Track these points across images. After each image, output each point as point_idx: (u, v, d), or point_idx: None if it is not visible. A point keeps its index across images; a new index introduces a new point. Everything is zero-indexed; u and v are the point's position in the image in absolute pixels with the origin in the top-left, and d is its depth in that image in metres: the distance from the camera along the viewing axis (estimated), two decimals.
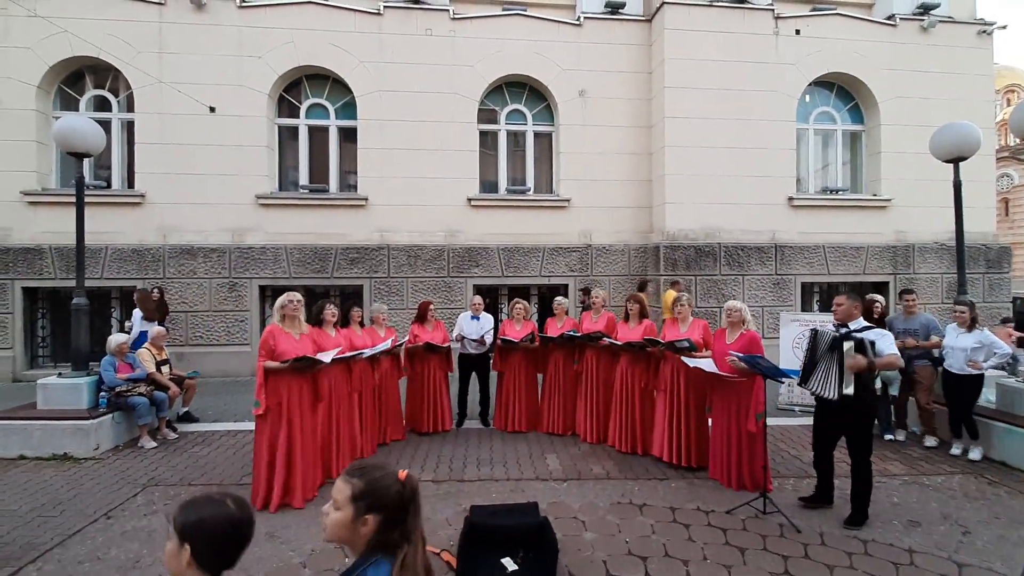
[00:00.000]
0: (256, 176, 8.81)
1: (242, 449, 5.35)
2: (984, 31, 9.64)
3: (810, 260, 9.18)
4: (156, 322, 7.44)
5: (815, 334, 3.89)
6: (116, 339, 5.69)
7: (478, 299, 6.24)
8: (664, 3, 9.00)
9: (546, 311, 7.83)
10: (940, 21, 9.51)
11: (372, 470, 1.35)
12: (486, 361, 6.12)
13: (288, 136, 9.38)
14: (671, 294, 7.81)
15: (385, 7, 9.03)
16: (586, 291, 8.30)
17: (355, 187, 9.20)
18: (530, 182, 9.69)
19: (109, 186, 8.93)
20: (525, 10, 9.47)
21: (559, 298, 6.01)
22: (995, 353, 4.92)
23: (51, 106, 8.81)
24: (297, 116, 9.30)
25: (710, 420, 4.62)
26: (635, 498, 4.16)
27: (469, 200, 9.17)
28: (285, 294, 4.27)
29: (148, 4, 8.63)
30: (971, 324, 5.02)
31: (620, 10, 9.47)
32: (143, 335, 6.94)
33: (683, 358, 4.62)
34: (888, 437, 5.56)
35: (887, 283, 9.35)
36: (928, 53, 9.51)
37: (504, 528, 3.34)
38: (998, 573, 3.14)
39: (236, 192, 8.73)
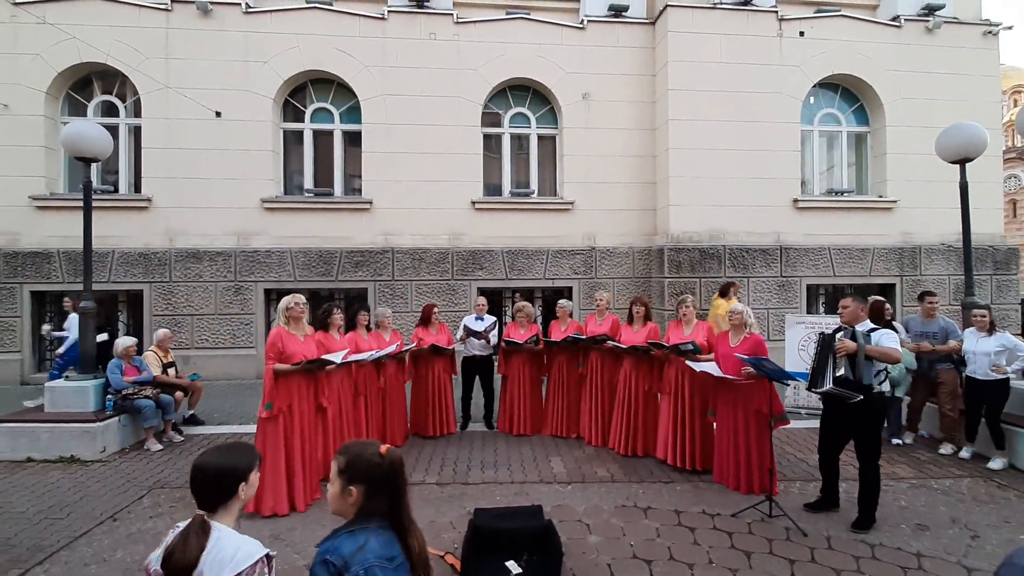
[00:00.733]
0: (261, 180, 8.85)
1: None
2: (990, 32, 9.59)
3: (815, 262, 9.14)
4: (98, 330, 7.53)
5: (822, 337, 3.88)
6: (123, 342, 5.73)
7: (482, 300, 6.25)
8: (667, 6, 9.00)
9: (550, 314, 7.83)
10: (945, 22, 9.46)
11: (354, 446, 1.53)
12: (490, 364, 6.13)
13: (293, 140, 9.44)
14: (721, 304, 7.72)
15: (389, 11, 9.08)
16: (522, 295, 8.23)
17: (359, 191, 9.23)
18: (534, 185, 9.70)
19: (116, 191, 9.00)
20: (528, 14, 9.50)
21: (562, 301, 6.01)
22: (1019, 356, 4.79)
23: (59, 112, 8.89)
24: (302, 120, 9.35)
25: (714, 423, 4.59)
26: (640, 501, 4.14)
27: (473, 203, 9.19)
28: (289, 296, 4.28)
29: (155, 10, 8.71)
30: (990, 328, 4.94)
31: (623, 13, 9.48)
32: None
33: (687, 361, 4.61)
34: (896, 442, 5.50)
35: (893, 285, 9.29)
36: (933, 54, 9.47)
37: (508, 531, 3.34)
38: None
39: (241, 196, 8.78)
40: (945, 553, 3.38)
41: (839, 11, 9.45)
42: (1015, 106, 31.16)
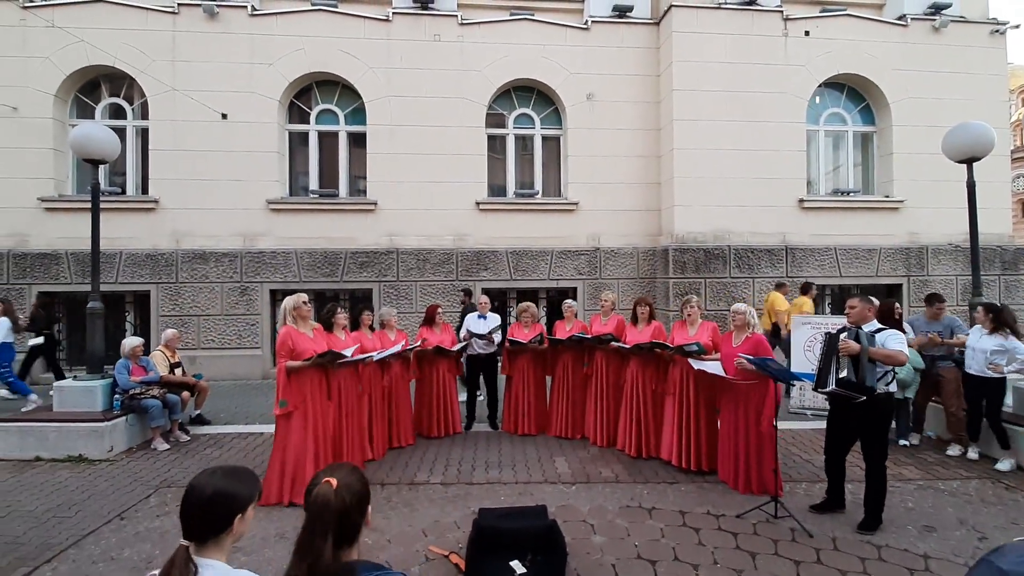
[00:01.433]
0: (267, 181, 8.90)
1: (253, 451, 5.39)
2: (997, 30, 9.52)
3: (821, 262, 9.10)
4: (35, 334, 7.74)
5: (828, 337, 3.86)
6: (130, 342, 5.77)
7: (484, 298, 6.26)
8: (672, 6, 8.99)
9: (555, 314, 7.82)
10: (952, 21, 9.40)
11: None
12: (494, 364, 6.13)
13: (298, 142, 9.48)
14: (776, 296, 7.70)
15: (394, 13, 9.11)
16: (467, 292, 8.22)
17: (364, 192, 9.27)
18: (538, 185, 9.71)
19: (124, 192, 9.08)
20: (532, 15, 9.51)
21: (568, 300, 6.01)
22: (1018, 358, 4.70)
23: (67, 114, 8.97)
24: (307, 122, 9.40)
25: (719, 423, 4.58)
26: (644, 502, 4.13)
27: (477, 204, 9.21)
28: (295, 296, 4.33)
29: (162, 13, 8.78)
30: (994, 326, 4.85)
31: (628, 13, 9.47)
32: (6, 346, 7.04)
33: (690, 361, 4.60)
34: (903, 443, 5.46)
35: (900, 285, 9.23)
36: (940, 53, 9.41)
37: (513, 531, 3.34)
38: None
39: (247, 197, 8.83)
40: (952, 555, 3.35)
41: (844, 10, 9.40)
42: (1023, 105, 30.91)
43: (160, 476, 4.75)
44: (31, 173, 8.61)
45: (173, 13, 8.79)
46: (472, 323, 6.10)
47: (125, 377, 5.54)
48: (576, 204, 9.37)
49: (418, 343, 5.78)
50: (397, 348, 5.37)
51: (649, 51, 9.50)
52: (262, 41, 8.90)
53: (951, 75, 9.38)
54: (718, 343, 4.65)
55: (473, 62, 9.19)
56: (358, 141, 9.41)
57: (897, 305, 5.68)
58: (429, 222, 9.13)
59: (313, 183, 9.36)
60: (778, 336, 7.50)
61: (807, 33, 9.19)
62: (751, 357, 4.00)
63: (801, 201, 9.14)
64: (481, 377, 6.21)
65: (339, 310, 4.88)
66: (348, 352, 4.43)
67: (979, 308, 5.04)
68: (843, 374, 3.69)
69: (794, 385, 4.86)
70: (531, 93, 9.70)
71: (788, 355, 6.54)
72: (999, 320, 4.81)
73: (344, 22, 9.04)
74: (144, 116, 9.00)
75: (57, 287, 8.63)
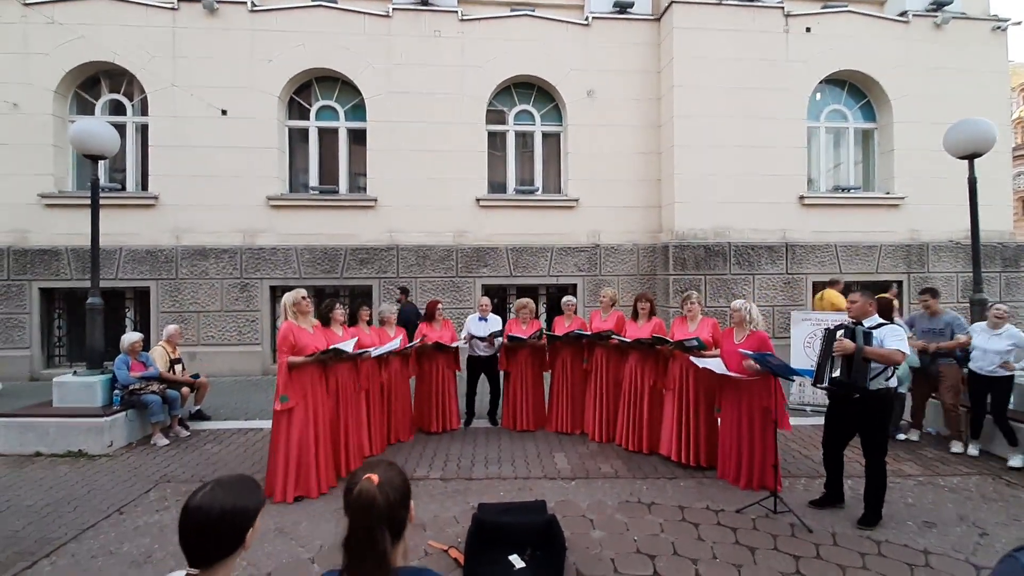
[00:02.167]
0: (267, 178, 8.89)
1: (253, 447, 5.39)
2: (999, 27, 9.50)
3: (821, 259, 9.09)
4: None
5: (827, 332, 3.85)
6: (129, 338, 5.76)
7: (485, 300, 6.24)
8: (673, 2, 8.97)
9: (555, 311, 7.81)
10: (953, 17, 9.37)
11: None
12: (494, 362, 6.12)
13: (298, 138, 9.47)
14: (832, 293, 7.61)
15: (394, 9, 9.09)
16: (403, 291, 8.27)
17: (364, 188, 9.25)
18: (538, 182, 9.69)
19: (124, 188, 9.07)
20: (533, 11, 9.47)
21: (567, 297, 6.00)
22: None
23: (68, 110, 8.96)
24: (307, 118, 9.38)
25: (719, 420, 4.57)
26: (643, 497, 4.13)
27: (478, 200, 9.19)
28: (295, 291, 4.33)
29: (161, 9, 8.76)
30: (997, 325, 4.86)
31: (628, 9, 9.45)
32: None
33: (691, 358, 4.59)
34: (900, 437, 5.46)
35: (900, 282, 9.22)
36: (941, 50, 9.39)
37: (512, 526, 3.34)
38: None
39: (247, 194, 8.83)
40: (953, 550, 3.35)
41: (846, 7, 9.38)
42: None
43: (160, 471, 4.75)
44: (31, 169, 8.61)
45: (173, 9, 8.77)
46: (473, 325, 6.08)
47: (124, 373, 5.54)
48: (576, 201, 9.35)
49: (418, 340, 5.77)
50: (396, 344, 5.36)
51: (650, 47, 9.47)
52: (262, 37, 8.88)
53: (952, 72, 9.36)
54: (718, 339, 4.64)
55: (473, 58, 9.17)
56: (358, 137, 9.39)
57: (895, 303, 5.65)
58: (429, 219, 9.12)
59: (313, 180, 9.35)
60: None
61: (808, 30, 9.17)
62: (752, 352, 3.99)
63: (802, 198, 9.12)
64: (482, 375, 6.19)
65: (336, 305, 4.87)
66: (349, 347, 4.43)
67: (995, 308, 4.96)
68: (836, 373, 3.69)
69: (793, 381, 4.84)
70: (531, 90, 9.68)
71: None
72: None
73: (344, 18, 9.02)
74: (144, 112, 8.99)
75: (57, 283, 8.63)
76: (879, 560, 3.23)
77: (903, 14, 9.44)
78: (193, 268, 8.71)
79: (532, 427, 5.82)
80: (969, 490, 4.29)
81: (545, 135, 9.76)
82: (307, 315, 4.37)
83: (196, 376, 6.36)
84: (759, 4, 9.08)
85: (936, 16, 9.36)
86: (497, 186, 9.62)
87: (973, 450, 5.04)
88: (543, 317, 9.10)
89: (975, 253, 5.82)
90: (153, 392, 5.57)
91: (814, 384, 3.94)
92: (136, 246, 8.67)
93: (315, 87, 9.37)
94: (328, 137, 9.47)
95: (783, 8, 9.14)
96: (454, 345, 5.88)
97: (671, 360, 4.92)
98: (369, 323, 5.48)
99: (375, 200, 9.04)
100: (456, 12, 9.18)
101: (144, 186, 9.01)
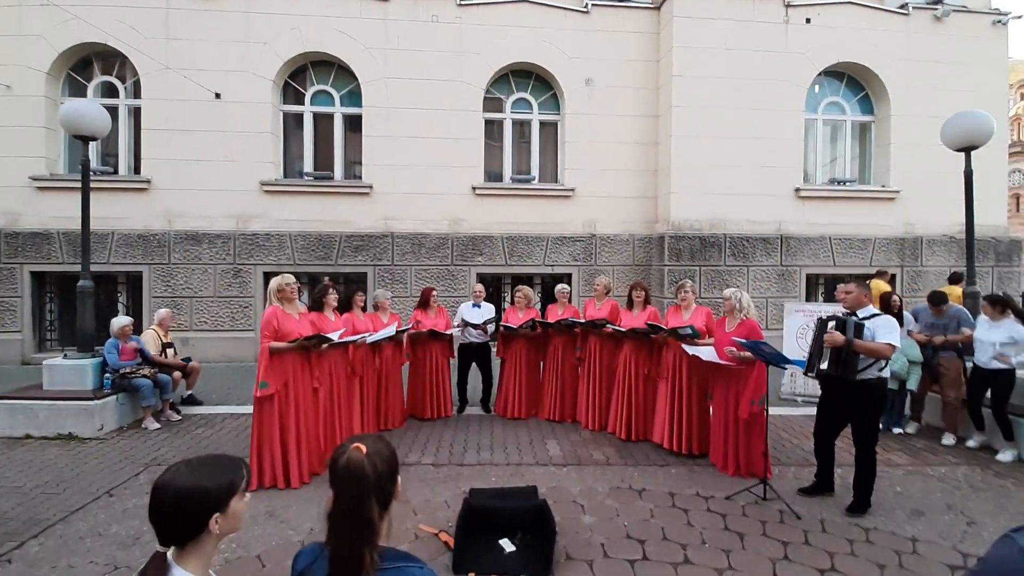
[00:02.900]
0: (261, 163, 8.81)
1: (244, 432, 5.36)
2: (999, 21, 9.46)
3: (816, 252, 9.10)
4: None
5: (820, 322, 3.86)
6: (119, 322, 5.71)
7: (479, 287, 6.22)
8: None
9: (550, 301, 7.79)
10: (954, 10, 9.32)
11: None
12: (487, 350, 6.11)
13: (293, 124, 9.37)
14: (878, 284, 7.55)
15: None
16: (333, 278, 8.03)
17: (360, 175, 9.18)
18: (535, 171, 9.64)
19: (116, 172, 8.96)
20: None
21: (561, 285, 5.98)
22: None
23: (60, 92, 8.83)
24: (302, 103, 9.27)
25: (711, 408, 4.59)
26: (635, 483, 4.14)
27: (474, 189, 9.14)
28: (279, 277, 4.28)
29: None
30: (1002, 311, 4.80)
31: None
32: None
33: (684, 346, 4.60)
34: (896, 431, 5.48)
35: (894, 275, 9.24)
36: (941, 43, 9.35)
37: (503, 510, 3.34)
38: None
39: (241, 179, 8.74)
40: (940, 538, 3.38)
41: None
42: (1022, 100, 30.87)
43: (150, 455, 4.73)
44: (22, 152, 8.49)
45: None
46: (467, 312, 6.07)
47: (114, 357, 5.51)
48: (573, 190, 9.31)
49: (411, 325, 5.75)
50: (391, 331, 5.34)
51: (649, 36, 9.39)
52: (256, 19, 8.75)
53: (951, 66, 9.33)
54: (712, 328, 4.64)
55: (471, 44, 9.07)
56: (354, 125, 9.30)
57: (895, 297, 5.65)
58: (425, 206, 9.06)
59: (308, 165, 9.26)
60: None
61: (808, 20, 9.11)
62: (744, 340, 3.99)
63: (798, 190, 9.11)
64: (474, 362, 6.19)
65: (330, 290, 4.83)
66: (335, 335, 4.38)
67: (985, 302, 4.96)
68: (823, 366, 3.71)
69: (785, 369, 4.85)
70: (529, 78, 9.60)
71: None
72: (1006, 308, 4.80)
73: (340, 1, 8.89)
74: (137, 95, 8.86)
75: (49, 267, 8.55)
76: (867, 547, 3.25)
77: (903, 6, 9.39)
78: (186, 253, 8.64)
79: (525, 415, 5.83)
80: (958, 480, 4.33)
81: (542, 124, 9.69)
82: (292, 302, 4.31)
83: (187, 360, 6.32)
84: None
85: (936, 9, 9.31)
86: (493, 175, 9.56)
87: (973, 443, 5.00)
88: (538, 306, 9.08)
89: (969, 246, 5.83)
90: (144, 376, 5.54)
91: (805, 373, 3.95)
92: (128, 230, 8.59)
93: (310, 71, 9.26)
94: (323, 122, 9.37)
95: None
96: (448, 332, 5.87)
97: (665, 349, 4.93)
98: (364, 308, 5.46)
99: (370, 187, 8.97)
100: None
101: (136, 170, 8.91)
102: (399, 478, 1.24)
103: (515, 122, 9.67)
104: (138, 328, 6.69)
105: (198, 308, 8.65)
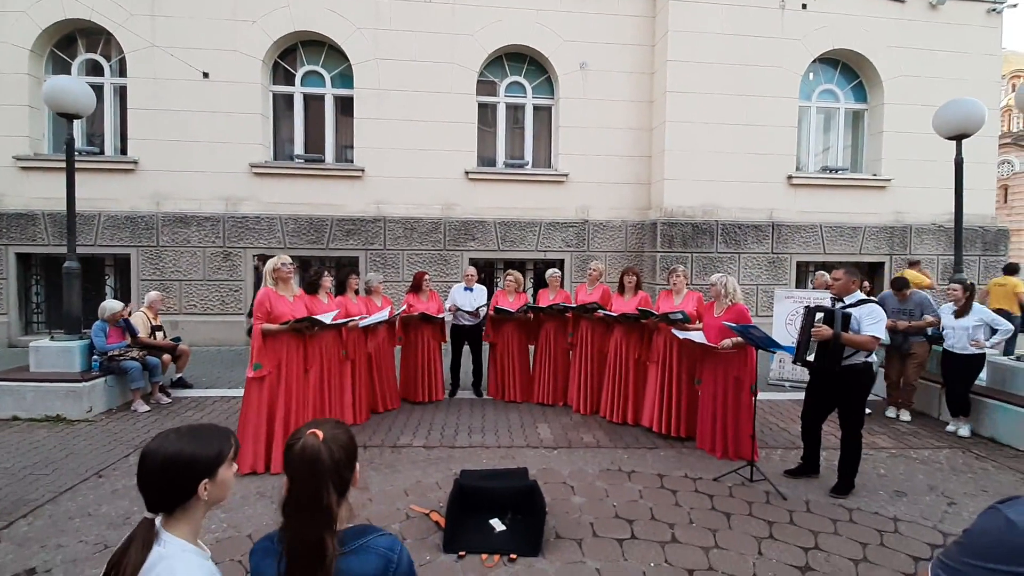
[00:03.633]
0: (250, 144, 8.68)
1: (234, 415, 5.32)
2: (994, 9, 9.45)
3: (807, 239, 9.15)
4: None
5: (808, 310, 3.87)
6: (111, 306, 5.63)
7: (471, 270, 6.21)
8: None
9: (541, 286, 7.80)
10: None
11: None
12: (479, 332, 6.12)
13: (283, 105, 9.22)
14: (912, 273, 7.57)
15: None
16: (262, 259, 7.76)
17: (351, 158, 9.08)
18: (528, 156, 9.58)
19: (102, 152, 8.81)
20: None
21: (552, 269, 5.98)
22: (999, 329, 4.85)
23: (43, 70, 8.62)
24: (292, 84, 9.12)
25: (700, 392, 4.63)
26: (624, 465, 4.19)
27: (467, 173, 9.08)
28: (275, 257, 4.25)
29: None
30: (966, 305, 4.97)
31: None
32: None
33: (674, 331, 4.62)
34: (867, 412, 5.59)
35: (883, 263, 9.34)
36: (936, 31, 9.34)
37: (493, 491, 3.37)
38: None
39: (230, 160, 8.61)
40: (921, 518, 3.45)
41: None
42: (1013, 91, 31.00)
43: (140, 436, 4.71)
44: (6, 131, 8.33)
45: None
46: (459, 295, 6.06)
47: (102, 340, 5.45)
48: (566, 175, 9.27)
49: (403, 308, 5.75)
50: (384, 315, 5.33)
51: (644, 20, 9.31)
52: None
53: (946, 54, 9.33)
54: (702, 312, 4.67)
55: (465, 26, 8.94)
56: (345, 105, 9.18)
57: (866, 283, 5.75)
58: (417, 190, 9.00)
59: (299, 148, 9.14)
60: None
61: (804, 6, 9.04)
62: (734, 324, 4.02)
63: (790, 178, 9.13)
64: (466, 345, 6.20)
65: (324, 274, 4.82)
66: (327, 318, 4.37)
67: (951, 286, 5.12)
68: (810, 357, 3.75)
69: (773, 353, 4.91)
70: (523, 61, 9.49)
71: None
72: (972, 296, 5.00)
73: None
74: (122, 73, 8.68)
75: (34, 248, 8.43)
76: (850, 526, 3.32)
77: None
78: (175, 235, 8.53)
79: (517, 398, 5.86)
80: (940, 462, 4.42)
81: (536, 108, 9.61)
82: (287, 282, 4.29)
83: (177, 340, 6.28)
84: None
85: None
86: (487, 159, 9.49)
87: (964, 431, 5.07)
88: (529, 292, 9.09)
89: (957, 233, 5.88)
90: (133, 358, 5.50)
91: (793, 362, 3.99)
92: (115, 212, 8.46)
93: (301, 51, 9.09)
94: (314, 104, 9.24)
95: None
96: (440, 316, 5.86)
97: (655, 334, 4.95)
98: (357, 292, 5.45)
99: (362, 170, 8.88)
100: None
101: (123, 150, 8.76)
102: (357, 464, 1.23)
103: (509, 106, 9.58)
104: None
105: (187, 291, 8.57)
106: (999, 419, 4.91)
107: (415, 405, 5.73)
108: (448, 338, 6.13)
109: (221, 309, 8.61)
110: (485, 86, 9.36)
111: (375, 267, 8.78)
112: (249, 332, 5.33)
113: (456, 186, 9.09)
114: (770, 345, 3.95)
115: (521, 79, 9.53)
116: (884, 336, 3.88)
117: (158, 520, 1.12)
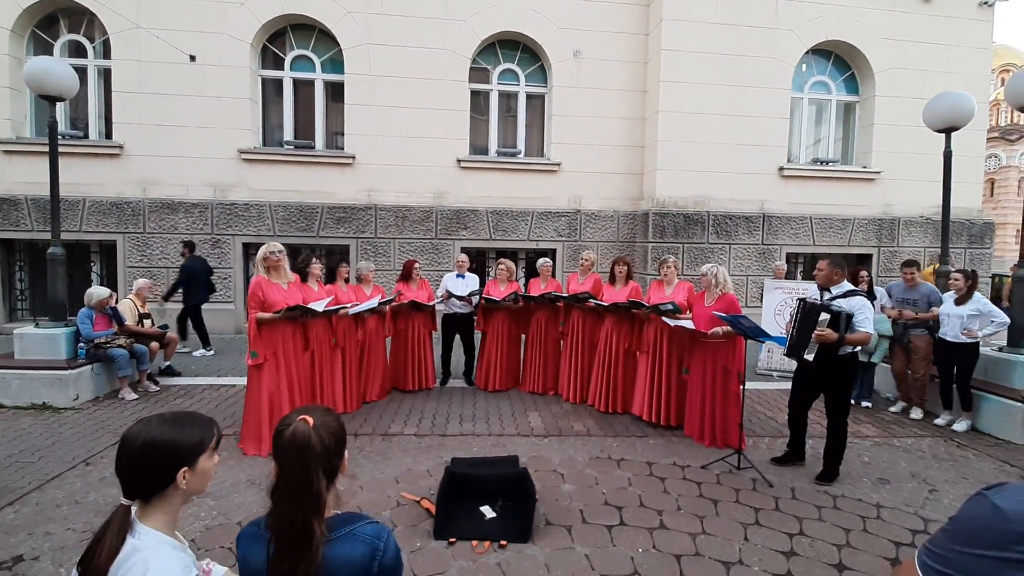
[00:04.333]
0: (239, 130, 8.55)
1: (225, 402, 5.34)
2: (986, 2, 9.48)
3: (796, 231, 9.21)
4: None
5: (801, 304, 3.87)
6: (96, 292, 5.55)
7: (463, 257, 6.19)
8: None
9: (533, 276, 7.80)
10: None
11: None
12: (470, 321, 6.12)
13: (273, 91, 9.08)
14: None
15: None
16: (188, 244, 7.55)
17: (342, 145, 8.98)
18: (521, 145, 9.52)
19: (86, 136, 8.64)
20: None
21: (543, 259, 5.97)
22: (993, 321, 4.78)
23: (24, 51, 8.41)
24: (282, 68, 8.97)
25: (688, 381, 4.67)
26: (614, 453, 4.23)
27: (459, 161, 9.01)
28: (265, 245, 4.22)
29: None
30: (968, 292, 4.91)
31: None
32: None
33: (664, 319, 4.65)
34: (865, 404, 5.64)
35: (871, 255, 9.43)
36: (928, 23, 9.36)
37: (484, 478, 3.39)
38: None
39: (218, 146, 8.48)
40: (903, 505, 3.52)
41: None
42: (1003, 85, 31.27)
43: (127, 425, 4.55)
44: None
45: None
46: (451, 283, 6.04)
47: (88, 327, 5.38)
48: (559, 165, 9.24)
49: (394, 297, 5.72)
50: (374, 303, 5.31)
51: (639, 8, 9.24)
52: None
53: (937, 47, 9.36)
54: (692, 302, 4.70)
55: (457, 11, 8.83)
56: (336, 91, 9.06)
57: (864, 273, 5.73)
58: (409, 178, 8.93)
59: (288, 133, 9.02)
60: None
61: None
62: (724, 314, 4.05)
63: (781, 169, 9.16)
64: (457, 334, 6.19)
65: (313, 260, 4.79)
66: (319, 306, 4.35)
67: (953, 276, 5.05)
68: (810, 356, 3.73)
69: (762, 343, 4.94)
70: (516, 48, 9.40)
71: None
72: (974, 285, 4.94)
73: None
74: (107, 55, 8.49)
75: (17, 234, 8.28)
76: (834, 512, 3.38)
77: None
78: (162, 222, 8.41)
79: (507, 387, 5.88)
80: (922, 451, 4.50)
81: (529, 96, 9.54)
82: (278, 270, 4.26)
83: (165, 327, 6.22)
84: None
85: None
86: (479, 148, 9.43)
87: (942, 420, 5.12)
88: (521, 281, 9.09)
89: (944, 225, 5.94)
90: (120, 346, 5.44)
91: (787, 355, 3.97)
92: (100, 197, 8.32)
93: (290, 35, 8.94)
94: (304, 89, 9.10)
95: None
96: (431, 304, 5.85)
97: (646, 323, 4.98)
98: (347, 280, 5.42)
99: (353, 157, 8.79)
100: None
101: (108, 134, 8.59)
102: (346, 452, 1.23)
103: (501, 94, 9.50)
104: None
105: (175, 279, 8.44)
106: (981, 408, 5.00)
107: (406, 393, 5.74)
108: (439, 327, 6.12)
109: (210, 297, 8.49)
110: (478, 73, 9.28)
111: (366, 255, 8.73)
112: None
113: (448, 174, 9.03)
114: (759, 335, 3.98)
115: (514, 67, 9.44)
116: (873, 332, 3.91)
117: (134, 508, 1.11)
